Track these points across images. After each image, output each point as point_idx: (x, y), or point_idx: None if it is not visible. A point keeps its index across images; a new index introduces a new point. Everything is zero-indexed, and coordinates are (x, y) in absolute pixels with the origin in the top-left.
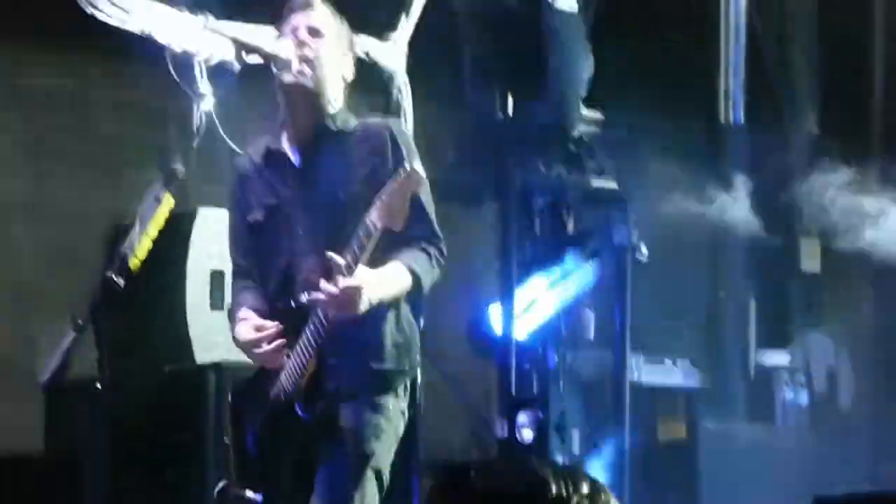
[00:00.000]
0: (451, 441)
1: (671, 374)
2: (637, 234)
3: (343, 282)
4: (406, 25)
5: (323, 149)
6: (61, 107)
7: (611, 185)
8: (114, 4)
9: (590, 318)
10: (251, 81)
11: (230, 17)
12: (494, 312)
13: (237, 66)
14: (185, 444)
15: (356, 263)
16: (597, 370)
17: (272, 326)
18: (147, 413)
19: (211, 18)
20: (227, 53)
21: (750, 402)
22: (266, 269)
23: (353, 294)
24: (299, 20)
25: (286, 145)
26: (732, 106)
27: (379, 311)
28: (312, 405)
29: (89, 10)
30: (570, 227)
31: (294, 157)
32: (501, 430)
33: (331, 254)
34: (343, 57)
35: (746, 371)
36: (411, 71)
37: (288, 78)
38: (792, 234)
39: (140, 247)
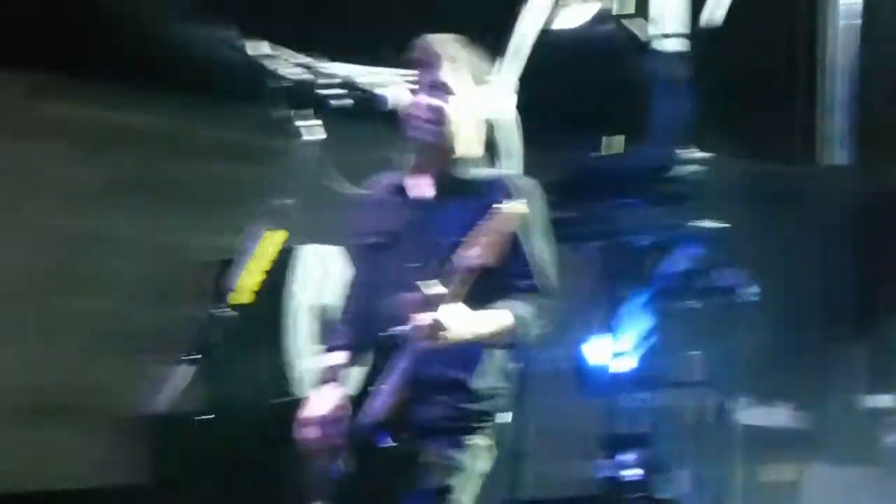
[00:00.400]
0: (555, 480)
1: (777, 415)
2: (744, 275)
3: (431, 315)
4: (514, 68)
5: (443, 191)
6: (162, 143)
7: (715, 224)
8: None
9: (696, 357)
10: (358, 118)
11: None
12: (600, 351)
13: (339, 103)
14: (290, 476)
15: (448, 297)
16: (703, 410)
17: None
18: (252, 446)
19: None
20: (337, 90)
21: (856, 445)
22: (368, 296)
23: (440, 326)
24: (429, 74)
25: (409, 181)
26: (837, 146)
27: (474, 351)
28: (396, 436)
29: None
30: (676, 267)
31: (413, 194)
32: (606, 468)
33: (425, 283)
34: (478, 108)
35: (853, 413)
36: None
37: (416, 133)
38: None
39: (245, 282)
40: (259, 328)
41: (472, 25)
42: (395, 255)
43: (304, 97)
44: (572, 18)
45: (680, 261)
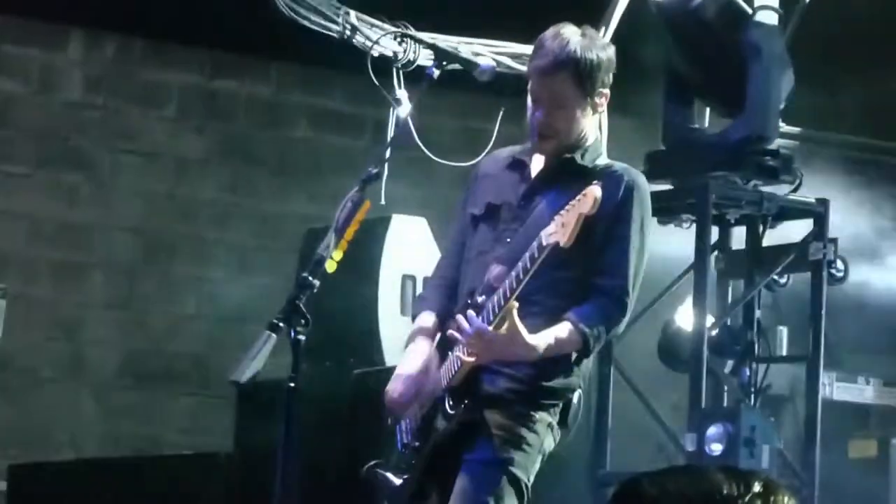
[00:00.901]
0: (639, 455)
1: (864, 391)
2: (833, 250)
3: (486, 331)
4: (605, 37)
5: (561, 176)
6: (258, 112)
7: (808, 199)
8: (318, 11)
9: (783, 332)
10: (446, 90)
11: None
12: (687, 324)
13: (436, 73)
14: (375, 445)
15: (517, 283)
16: (789, 385)
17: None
18: (338, 414)
19: (410, 27)
20: (426, 60)
21: None
22: (464, 264)
23: (492, 345)
24: (540, 86)
25: (532, 158)
26: None
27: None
28: (460, 405)
29: (293, 16)
30: (766, 240)
31: (533, 171)
32: (691, 443)
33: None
34: (591, 117)
35: None
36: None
37: (535, 143)
38: None
39: (336, 250)
40: (350, 296)
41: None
42: (498, 226)
43: (403, 67)
44: None
45: (772, 234)
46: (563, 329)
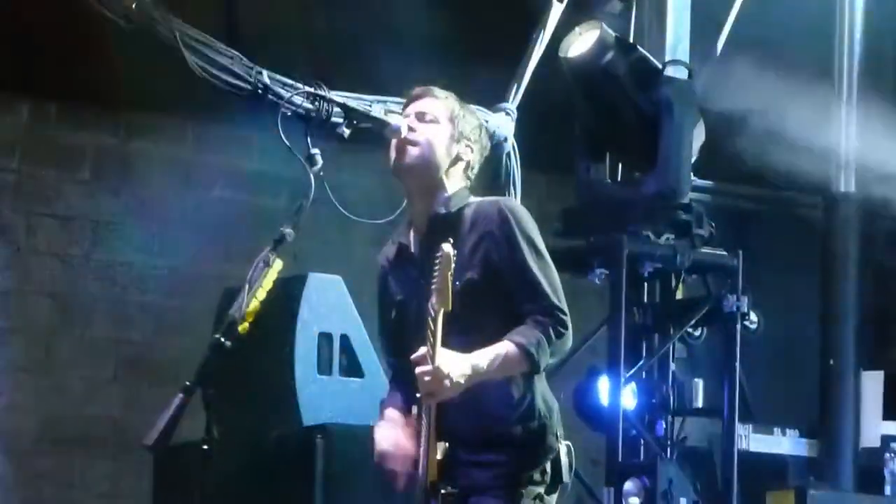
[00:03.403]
0: None
1: (780, 442)
2: (746, 303)
3: (422, 368)
4: (516, 95)
5: (437, 236)
6: (174, 173)
7: (720, 253)
8: (232, 71)
9: (698, 385)
10: (361, 148)
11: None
12: (602, 380)
13: (346, 132)
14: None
15: (432, 349)
16: (705, 438)
17: (405, 446)
18: (255, 475)
19: (323, 87)
20: (339, 119)
21: (859, 473)
22: (407, 363)
23: (434, 376)
24: (411, 108)
25: (410, 237)
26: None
27: (499, 395)
28: (444, 497)
29: (205, 76)
30: (679, 294)
31: (414, 248)
32: (608, 498)
33: (416, 353)
34: (456, 139)
35: (856, 441)
36: (521, 139)
37: (392, 160)
38: None
39: (249, 310)
40: (266, 355)
41: (483, 52)
42: (417, 315)
43: (315, 126)
44: (582, 44)
45: (685, 289)
46: (501, 345)
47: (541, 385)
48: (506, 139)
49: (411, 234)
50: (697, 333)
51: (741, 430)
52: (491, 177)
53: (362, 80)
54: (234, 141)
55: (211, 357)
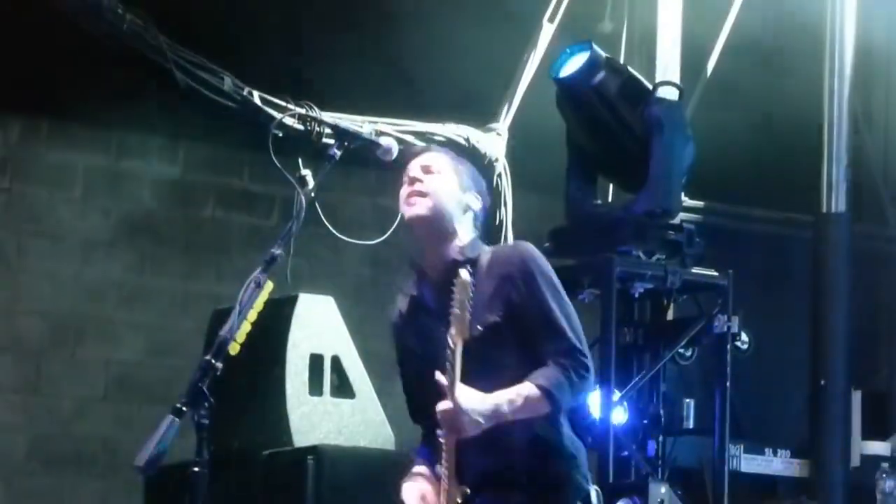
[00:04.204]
0: None
1: (771, 462)
2: (737, 323)
3: (443, 404)
4: (507, 115)
5: (449, 285)
6: (165, 192)
7: (711, 273)
8: (221, 91)
9: (689, 405)
10: (352, 169)
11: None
12: (593, 399)
13: (338, 153)
14: None
15: (451, 385)
16: (696, 458)
17: (432, 501)
18: (246, 497)
19: (314, 108)
20: (330, 139)
21: (850, 493)
22: (429, 418)
23: (454, 414)
24: (413, 163)
25: (423, 288)
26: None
27: (516, 431)
28: None
29: (195, 96)
30: (670, 314)
31: (429, 299)
32: None
33: (438, 375)
34: (463, 189)
35: (847, 461)
36: (512, 158)
37: (405, 211)
38: (894, 322)
39: (239, 331)
40: (257, 376)
41: (475, 75)
42: (439, 366)
43: (307, 146)
44: (572, 64)
45: (675, 308)
46: (522, 386)
47: (566, 426)
48: (497, 159)
49: (423, 286)
50: (688, 353)
51: (732, 450)
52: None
53: (354, 101)
54: (224, 160)
55: (201, 378)
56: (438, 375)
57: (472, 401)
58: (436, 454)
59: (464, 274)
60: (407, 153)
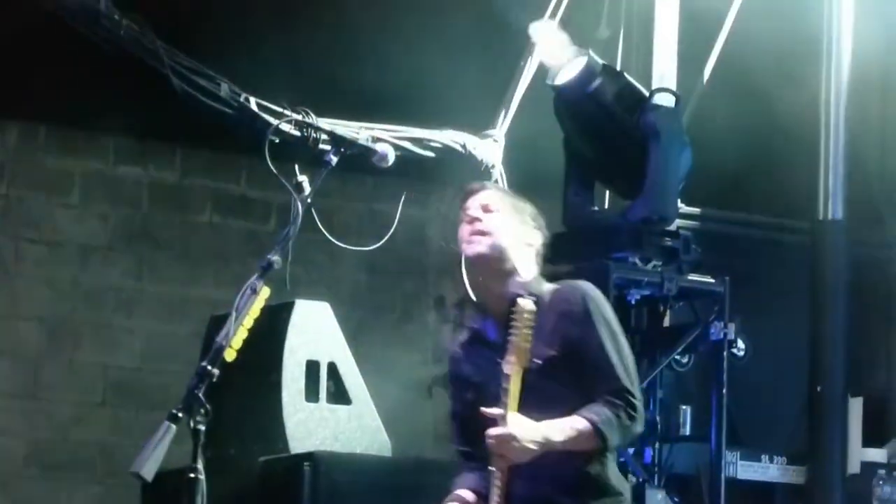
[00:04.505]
0: None
1: (768, 470)
2: (734, 329)
3: (495, 430)
4: (503, 121)
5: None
6: (162, 197)
7: (707, 279)
8: (217, 97)
9: (686, 411)
10: (349, 175)
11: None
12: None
13: (334, 159)
14: None
15: (506, 408)
16: (693, 465)
17: None
18: (242, 503)
19: (311, 114)
20: (326, 145)
21: (847, 499)
22: (475, 447)
23: (506, 440)
24: (470, 202)
25: (485, 322)
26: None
27: (565, 463)
28: None
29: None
30: (667, 321)
31: (491, 333)
32: None
33: (484, 410)
34: (523, 226)
35: (844, 467)
36: (508, 165)
37: (466, 251)
38: (891, 329)
39: (236, 337)
40: (254, 382)
41: (471, 81)
42: (496, 397)
43: (303, 152)
44: (569, 71)
45: (672, 315)
46: (574, 419)
47: (613, 463)
48: (493, 165)
49: (486, 320)
50: (685, 360)
51: (729, 457)
52: None
53: (350, 107)
54: (222, 166)
55: (197, 384)
56: (488, 410)
57: (524, 428)
58: (475, 481)
59: (526, 303)
60: (465, 191)
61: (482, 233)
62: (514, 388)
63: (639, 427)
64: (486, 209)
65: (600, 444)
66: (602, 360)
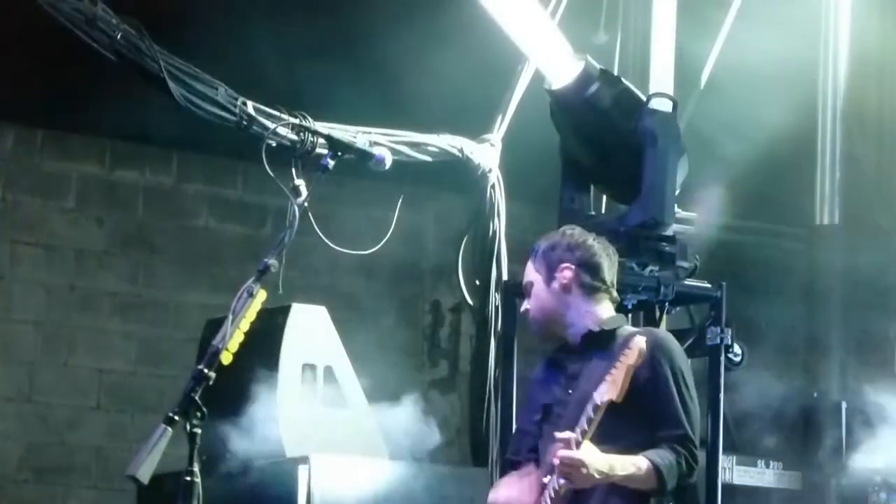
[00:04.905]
0: None
1: (764, 475)
2: (730, 335)
3: (567, 452)
4: (500, 126)
5: (590, 353)
6: (159, 202)
7: (704, 284)
8: (214, 102)
9: None
10: (345, 179)
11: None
12: None
13: (331, 163)
14: None
15: (583, 436)
16: None
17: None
18: None
19: (308, 118)
20: (323, 150)
21: None
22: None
23: (575, 464)
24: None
25: (564, 354)
26: (829, 207)
27: (624, 499)
28: None
29: (189, 106)
30: (663, 326)
31: (567, 362)
32: None
33: (558, 434)
34: (549, 283)
35: (839, 473)
36: (505, 169)
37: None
38: (887, 336)
39: (232, 340)
40: (250, 386)
41: (468, 85)
42: (560, 421)
43: (300, 157)
44: (565, 76)
45: (668, 320)
46: (638, 458)
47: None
48: (490, 170)
49: (565, 351)
50: None
51: (725, 462)
52: (475, 207)
53: (348, 111)
54: (218, 170)
55: (193, 387)
56: (562, 434)
57: (593, 456)
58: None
59: (640, 342)
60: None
61: (528, 314)
62: (597, 417)
63: (694, 475)
64: (527, 291)
65: (657, 486)
66: (671, 407)
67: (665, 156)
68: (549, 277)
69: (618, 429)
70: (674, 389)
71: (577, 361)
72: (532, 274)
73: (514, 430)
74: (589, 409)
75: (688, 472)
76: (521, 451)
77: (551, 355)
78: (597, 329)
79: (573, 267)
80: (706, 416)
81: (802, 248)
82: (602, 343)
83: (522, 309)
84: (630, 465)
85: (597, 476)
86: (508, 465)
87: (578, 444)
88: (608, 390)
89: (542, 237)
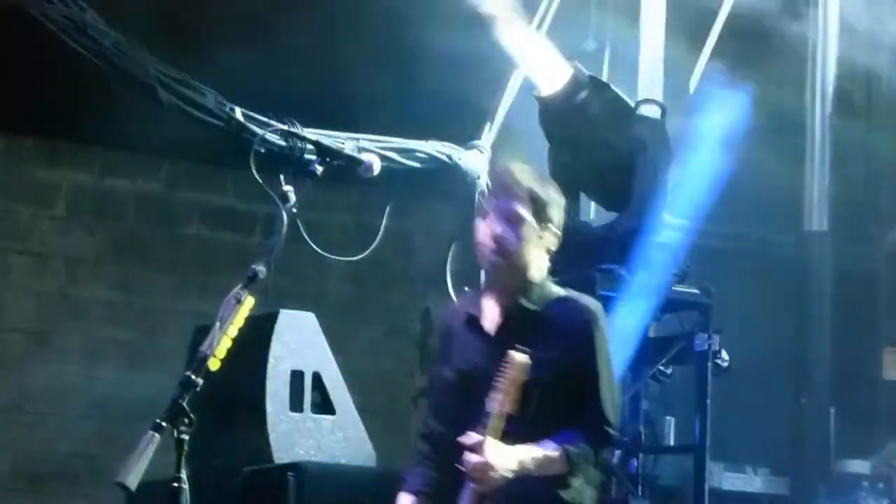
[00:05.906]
0: None
1: (752, 481)
2: (718, 341)
3: (473, 457)
4: (489, 132)
5: (515, 325)
6: (149, 210)
7: (693, 291)
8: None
9: (671, 422)
10: (334, 185)
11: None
12: None
13: (319, 169)
14: None
15: (485, 438)
16: (678, 476)
17: None
18: None
19: (297, 125)
20: (312, 156)
21: None
22: (448, 430)
23: (483, 469)
24: (493, 205)
25: (484, 314)
26: (817, 213)
27: (543, 491)
28: None
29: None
30: (652, 332)
31: (489, 328)
32: None
33: (462, 439)
34: (542, 232)
35: (827, 479)
36: None
37: (483, 263)
38: (875, 342)
39: (219, 347)
40: (238, 392)
41: (458, 92)
42: (478, 392)
43: (289, 163)
44: (555, 82)
45: (657, 326)
46: (546, 445)
47: (590, 488)
48: (479, 176)
49: (484, 310)
50: (669, 371)
51: (713, 467)
52: (464, 213)
53: (336, 118)
54: (208, 177)
55: (181, 394)
56: (467, 439)
57: (502, 459)
58: (428, 481)
59: (521, 358)
60: (494, 176)
61: (500, 254)
62: (497, 422)
63: (611, 454)
64: (509, 220)
65: (568, 470)
66: (592, 389)
67: (654, 162)
68: (539, 232)
69: (541, 409)
70: (601, 370)
71: (499, 328)
72: (523, 206)
73: (428, 388)
74: (492, 417)
75: (602, 451)
76: (434, 419)
77: (470, 310)
78: (529, 307)
79: (559, 235)
80: (695, 424)
81: (792, 255)
82: (528, 320)
83: (498, 243)
84: (540, 456)
85: (508, 475)
86: (422, 441)
87: (482, 447)
88: (505, 400)
89: (517, 168)
